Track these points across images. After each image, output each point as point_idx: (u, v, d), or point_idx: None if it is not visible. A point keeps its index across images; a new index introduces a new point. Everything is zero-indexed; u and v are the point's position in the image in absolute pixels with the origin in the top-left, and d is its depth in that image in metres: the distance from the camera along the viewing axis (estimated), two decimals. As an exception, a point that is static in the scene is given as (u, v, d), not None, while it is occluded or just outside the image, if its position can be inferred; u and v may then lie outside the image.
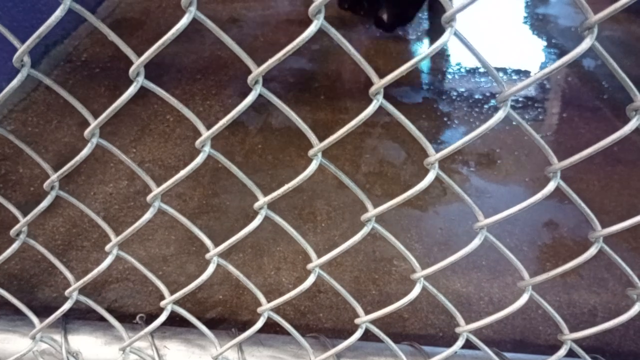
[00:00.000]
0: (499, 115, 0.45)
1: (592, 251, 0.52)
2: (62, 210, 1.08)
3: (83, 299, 0.65)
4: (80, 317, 0.77)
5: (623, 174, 1.21)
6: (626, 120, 0.48)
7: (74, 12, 0.44)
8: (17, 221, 0.61)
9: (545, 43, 1.78)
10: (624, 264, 0.55)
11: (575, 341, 0.62)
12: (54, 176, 0.55)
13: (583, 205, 0.50)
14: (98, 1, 1.83)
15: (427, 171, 0.49)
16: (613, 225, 0.52)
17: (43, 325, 0.66)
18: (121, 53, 0.47)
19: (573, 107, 1.46)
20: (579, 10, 1.97)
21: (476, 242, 0.53)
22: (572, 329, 0.62)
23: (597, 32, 0.42)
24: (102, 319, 0.69)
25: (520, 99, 1.47)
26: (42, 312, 0.71)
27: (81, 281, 0.61)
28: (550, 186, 0.48)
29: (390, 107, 0.47)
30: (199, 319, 0.66)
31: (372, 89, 0.45)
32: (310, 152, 0.49)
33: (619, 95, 1.50)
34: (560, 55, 1.71)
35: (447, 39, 0.42)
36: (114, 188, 1.15)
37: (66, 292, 0.63)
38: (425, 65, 1.60)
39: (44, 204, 0.57)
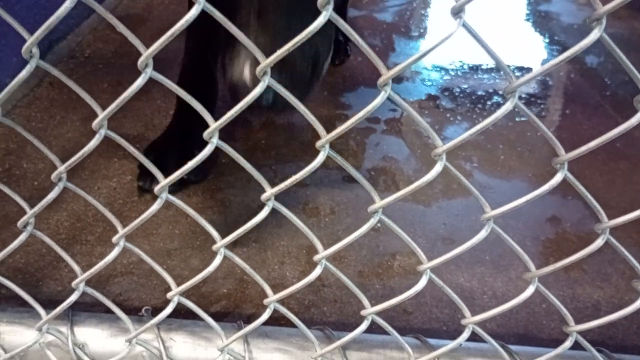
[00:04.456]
0: (507, 106, 0.45)
1: (598, 242, 0.52)
2: (67, 205, 1.09)
3: (90, 290, 0.65)
4: (86, 309, 0.77)
5: (626, 170, 1.21)
6: (628, 116, 0.48)
7: (77, 8, 0.44)
8: (21, 215, 0.62)
9: (547, 40, 1.78)
10: (629, 255, 0.55)
11: (580, 334, 0.62)
12: (62, 167, 0.56)
13: (589, 196, 0.51)
14: (101, -3, 1.83)
15: (430, 167, 0.49)
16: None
17: (49, 317, 0.66)
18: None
19: (575, 103, 1.46)
20: (581, 7, 1.97)
21: (483, 234, 0.53)
22: (576, 323, 0.63)
23: (605, 23, 0.42)
24: (108, 311, 0.69)
25: (523, 96, 1.48)
26: (48, 305, 0.71)
27: (88, 272, 0.62)
28: (558, 177, 0.48)
29: (398, 99, 0.47)
30: (203, 312, 0.67)
31: (381, 80, 0.45)
32: (318, 144, 0.50)
33: (622, 91, 1.50)
34: (563, 52, 1.71)
35: (455, 30, 0.42)
36: (118, 183, 1.15)
37: (73, 284, 0.64)
38: (427, 62, 1.60)
39: (52, 195, 0.57)
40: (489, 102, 1.45)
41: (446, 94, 1.48)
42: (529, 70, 1.61)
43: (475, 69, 1.59)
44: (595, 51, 1.66)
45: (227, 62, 0.72)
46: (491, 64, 1.61)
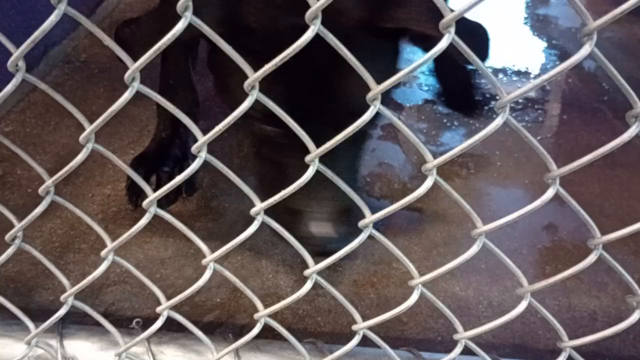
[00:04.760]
0: (497, 121, 0.45)
1: (591, 258, 0.52)
2: (60, 212, 1.08)
3: (79, 304, 0.64)
4: (77, 320, 0.76)
5: (623, 177, 1.20)
6: (627, 123, 0.47)
7: (74, 11, 0.44)
8: (13, 224, 0.61)
9: (545, 44, 1.77)
10: (623, 271, 0.54)
11: (575, 347, 0.62)
12: (49, 181, 0.55)
13: (582, 212, 0.50)
14: (97, 1, 1.82)
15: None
16: (613, 229, 0.52)
17: (38, 331, 0.65)
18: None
19: (573, 108, 1.46)
20: (579, 11, 1.96)
21: (474, 249, 0.52)
22: (572, 333, 0.62)
23: (596, 38, 0.42)
24: (99, 323, 0.69)
25: (520, 101, 1.47)
26: (40, 315, 0.71)
27: (77, 287, 0.61)
28: (549, 193, 0.48)
29: (387, 114, 0.47)
30: (196, 322, 0.66)
31: (370, 95, 0.45)
32: (307, 158, 0.49)
33: (620, 97, 1.48)
34: (561, 56, 1.70)
35: (444, 45, 0.42)
36: (112, 190, 1.14)
37: (62, 298, 0.63)
38: (425, 67, 1.59)
39: (39, 209, 0.56)
40: (486, 107, 1.44)
41: (443, 99, 1.47)
42: (526, 74, 1.60)
43: (472, 73, 1.58)
44: (593, 56, 1.65)
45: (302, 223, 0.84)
46: (489, 67, 1.60)
